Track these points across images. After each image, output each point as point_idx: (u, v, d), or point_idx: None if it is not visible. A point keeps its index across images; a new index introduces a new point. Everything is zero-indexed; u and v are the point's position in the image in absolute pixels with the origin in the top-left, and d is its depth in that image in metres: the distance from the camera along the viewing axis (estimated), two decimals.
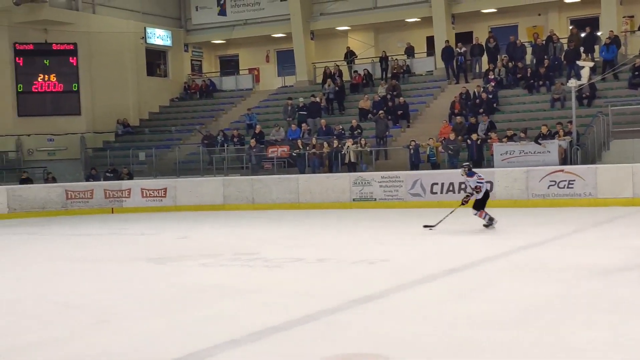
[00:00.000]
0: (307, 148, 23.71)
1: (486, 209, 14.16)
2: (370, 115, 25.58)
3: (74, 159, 28.67)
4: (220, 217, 20.22)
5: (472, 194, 14.24)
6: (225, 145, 25.90)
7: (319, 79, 29.73)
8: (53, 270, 11.32)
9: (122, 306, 8.14)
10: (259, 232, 16.10)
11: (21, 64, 28.71)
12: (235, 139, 26.00)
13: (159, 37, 32.39)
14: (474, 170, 14.56)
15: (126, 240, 15.58)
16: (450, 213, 14.60)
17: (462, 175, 14.63)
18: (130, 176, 25.17)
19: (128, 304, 8.28)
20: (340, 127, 24.51)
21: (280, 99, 29.48)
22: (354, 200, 21.22)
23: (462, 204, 14.59)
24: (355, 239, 14.08)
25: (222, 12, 32.58)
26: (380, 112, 24.37)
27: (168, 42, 32.82)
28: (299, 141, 24.28)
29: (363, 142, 23.22)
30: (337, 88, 27.55)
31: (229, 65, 34.74)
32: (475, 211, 14.17)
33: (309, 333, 6.65)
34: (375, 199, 20.92)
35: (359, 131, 24.24)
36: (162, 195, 23.52)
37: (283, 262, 11.01)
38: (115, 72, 30.40)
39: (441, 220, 14.39)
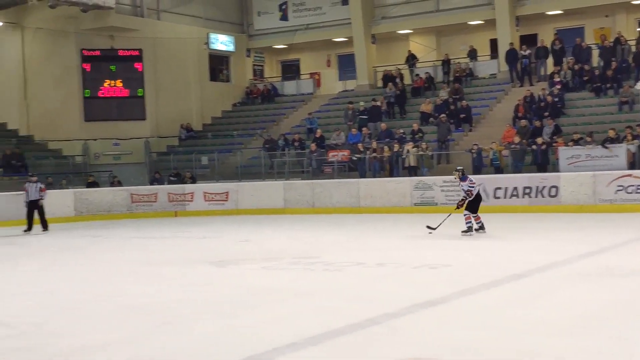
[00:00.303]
0: (368, 152, 23.63)
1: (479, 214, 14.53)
2: (431, 118, 25.35)
3: (138, 163, 29.19)
4: (281, 221, 20.30)
5: (465, 198, 14.58)
6: (286, 149, 26.01)
7: (380, 83, 29.62)
8: (118, 272, 11.52)
9: (185, 308, 8.21)
10: (320, 236, 16.10)
11: (88, 70, 29.39)
12: (296, 143, 26.09)
13: (222, 42, 32.75)
14: (466, 175, 14.95)
15: (189, 243, 15.76)
16: (448, 217, 14.92)
17: (456, 179, 15.04)
18: (193, 180, 25.49)
19: (190, 306, 8.36)
20: (401, 131, 24.35)
21: (341, 103, 29.46)
22: (415, 204, 21.05)
23: (457, 207, 14.91)
24: (417, 244, 13.94)
25: (284, 17, 32.78)
26: (442, 115, 24.14)
27: (231, 48, 33.17)
28: (360, 145, 24.22)
29: (424, 145, 23.02)
30: (398, 92, 27.41)
31: (290, 70, 34.91)
32: (467, 212, 14.45)
33: (370, 337, 6.59)
34: (436, 204, 20.70)
35: (420, 135, 24.04)
36: (224, 199, 23.75)
37: (343, 266, 10.97)
38: (179, 78, 30.87)
39: (440, 224, 14.65)
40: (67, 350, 6.40)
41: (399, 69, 28.72)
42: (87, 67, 29.35)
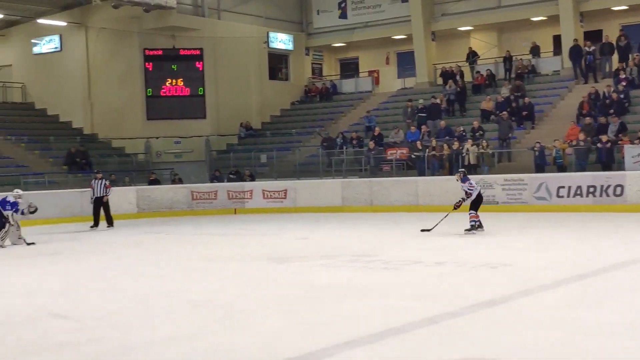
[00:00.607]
0: (427, 150, 23.46)
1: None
2: (492, 116, 25.02)
3: (199, 161, 29.57)
4: (339, 219, 20.30)
5: (464, 199, 15.00)
6: (344, 147, 26.00)
7: (440, 80, 29.37)
8: (180, 268, 11.70)
9: (246, 304, 8.29)
10: (378, 234, 16.05)
11: (150, 69, 29.89)
12: (354, 141, 26.06)
13: (281, 41, 32.94)
14: (468, 176, 15.29)
15: (248, 240, 15.89)
16: (445, 217, 15.19)
17: (457, 180, 15.30)
18: (252, 178, 25.69)
19: (251, 302, 8.43)
20: (461, 129, 24.10)
21: (400, 100, 29.31)
22: None
23: (455, 208, 15.21)
24: (477, 243, 13.77)
25: (343, 15, 32.78)
26: (503, 112, 23.79)
27: (290, 46, 33.33)
28: (419, 143, 24.06)
29: (485, 143, 22.73)
30: (458, 89, 27.13)
31: (349, 68, 34.90)
32: (471, 211, 14.79)
33: (429, 336, 6.54)
34: (497, 202, 20.42)
35: (481, 133, 23.76)
36: (283, 196, 23.88)
37: (402, 265, 10.91)
38: (239, 76, 31.14)
39: (437, 224, 14.93)
40: (131, 345, 6.52)
41: (459, 66, 28.43)
42: (150, 66, 29.84)
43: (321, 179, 24.56)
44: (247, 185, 24.78)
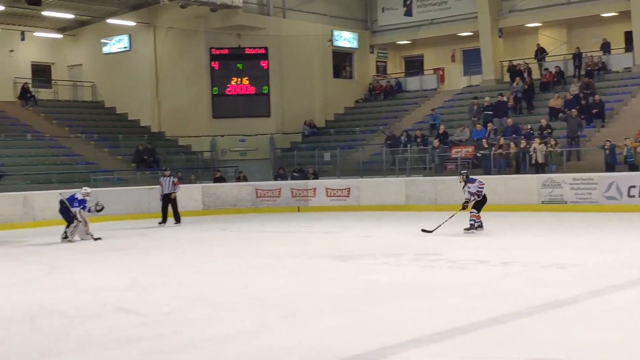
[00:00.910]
0: (493, 148, 23.09)
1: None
2: (561, 114, 24.47)
3: (263, 159, 29.78)
4: (403, 217, 20.15)
5: (470, 199, 15.00)
6: (409, 145, 25.81)
7: (507, 78, 28.88)
8: (245, 265, 11.78)
9: (309, 301, 8.29)
10: (442, 234, 15.79)
11: (216, 68, 30.23)
12: (418, 140, 25.85)
13: (346, 39, 32.91)
14: (472, 177, 15.40)
15: (312, 238, 15.92)
16: (450, 217, 15.13)
17: (460, 182, 15.40)
18: (315, 176, 25.74)
19: (314, 299, 8.42)
20: (529, 127, 23.63)
21: (465, 98, 28.95)
22: (542, 202, 20.39)
23: (463, 208, 15.19)
24: (544, 243, 13.49)
25: (408, 13, 32.54)
26: (572, 110, 23.24)
27: (354, 44, 33.27)
28: (484, 141, 23.70)
29: (553, 142, 22.25)
30: (526, 86, 26.63)
31: (414, 66, 34.64)
32: (474, 210, 14.87)
33: (495, 336, 6.42)
34: (566, 202, 19.97)
35: (549, 131, 23.26)
36: (346, 194, 23.86)
37: (467, 264, 10.76)
38: (303, 75, 31.25)
39: (440, 225, 14.91)
40: (198, 340, 6.58)
41: (526, 63, 27.91)
42: (216, 65, 30.18)
43: (385, 177, 24.44)
44: (311, 183, 24.84)
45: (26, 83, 29.92)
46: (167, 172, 20.47)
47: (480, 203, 14.99)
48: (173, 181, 20.15)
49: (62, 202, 15.94)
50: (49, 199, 21.50)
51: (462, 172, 15.86)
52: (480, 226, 14.97)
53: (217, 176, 26.67)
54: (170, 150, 29.21)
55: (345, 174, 25.98)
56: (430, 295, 8.44)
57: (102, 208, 16.64)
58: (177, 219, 20.14)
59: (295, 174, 26.21)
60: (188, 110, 30.22)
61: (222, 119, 30.17)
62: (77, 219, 15.71)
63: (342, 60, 33.58)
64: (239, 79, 30.27)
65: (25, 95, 29.44)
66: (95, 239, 15.76)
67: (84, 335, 6.86)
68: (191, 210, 23.01)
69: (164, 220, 20.00)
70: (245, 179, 26.62)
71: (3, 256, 13.81)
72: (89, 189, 16.55)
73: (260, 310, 7.96)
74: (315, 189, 24.40)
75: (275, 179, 26.71)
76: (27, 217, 20.55)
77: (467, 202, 15.12)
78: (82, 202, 15.82)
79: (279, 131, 30.70)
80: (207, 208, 24.29)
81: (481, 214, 15.01)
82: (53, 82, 32.60)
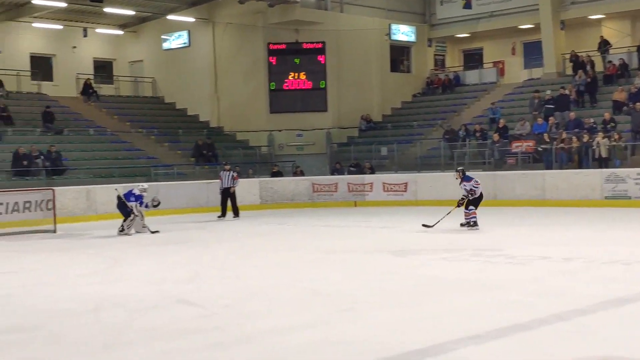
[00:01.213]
0: (555, 142, 22.65)
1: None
2: (625, 107, 23.85)
3: (320, 154, 29.83)
4: (461, 213, 19.87)
5: (466, 197, 15.06)
6: (467, 140, 25.52)
7: (569, 71, 28.29)
8: (302, 258, 11.81)
9: (366, 295, 8.27)
10: (502, 229, 15.63)
11: (274, 63, 30.38)
12: (477, 134, 25.52)
13: (403, 33, 32.70)
14: (469, 175, 15.44)
15: (369, 233, 15.87)
16: (448, 214, 15.32)
17: (457, 178, 15.47)
18: (372, 171, 25.67)
19: (371, 293, 8.40)
20: (592, 121, 23.11)
21: (526, 92, 28.47)
22: (605, 197, 19.92)
23: (458, 205, 15.31)
24: (607, 239, 13.19)
25: (468, 6, 32.13)
26: (637, 103, 22.62)
27: (412, 38, 33.04)
28: (546, 135, 23.26)
29: (617, 136, 21.71)
30: (589, 79, 26.03)
31: (473, 59, 34.20)
32: (472, 207, 14.97)
33: (556, 333, 6.29)
34: (630, 197, 19.48)
35: (613, 124, 22.70)
36: (403, 189, 23.71)
37: (528, 260, 10.58)
38: (360, 69, 31.17)
39: (439, 221, 15.12)
40: (257, 332, 6.62)
41: (589, 55, 27.29)
42: (273, 60, 30.33)
43: (443, 172, 24.20)
44: (368, 178, 24.77)
45: (88, 79, 30.57)
46: (227, 167, 20.67)
47: (477, 200, 15.11)
48: (232, 175, 20.33)
49: (119, 197, 16.32)
50: (110, 193, 21.92)
51: (458, 169, 15.92)
52: (475, 224, 14.94)
53: (274, 170, 26.82)
54: (228, 145, 29.48)
55: (402, 169, 25.84)
56: (490, 291, 8.32)
57: (159, 204, 16.92)
58: (236, 213, 20.31)
59: (352, 168, 26.18)
60: (246, 105, 30.46)
61: (279, 113, 30.32)
62: (133, 213, 16.01)
63: (399, 54, 33.37)
64: (296, 74, 30.36)
65: (87, 91, 30.08)
66: (152, 232, 16.02)
67: (146, 327, 6.97)
68: (249, 205, 23.18)
69: (223, 214, 20.20)
70: (302, 174, 26.70)
71: (67, 249, 14.14)
72: (146, 185, 16.84)
73: (317, 303, 7.97)
74: (372, 183, 24.32)
75: (332, 174, 26.72)
76: (90, 211, 21.01)
77: (463, 199, 15.20)
78: (139, 198, 16.14)
79: (335, 126, 30.70)
80: (265, 202, 24.46)
81: (480, 209, 15.22)
82: (114, 77, 33.24)
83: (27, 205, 17.92)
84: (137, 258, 12.42)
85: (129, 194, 16.19)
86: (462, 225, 15.10)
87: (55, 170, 22.89)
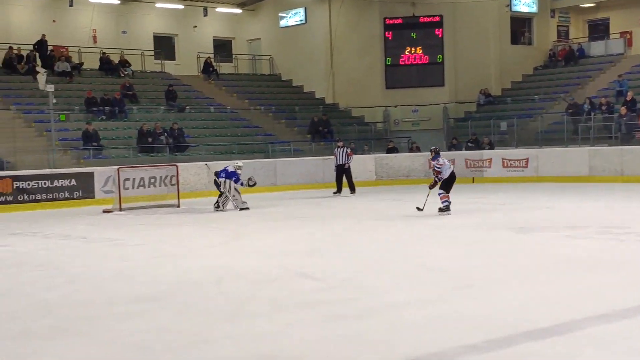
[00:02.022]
0: None
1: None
2: None
3: (436, 129, 29.43)
4: (586, 189, 19.21)
5: (437, 179, 14.52)
6: (592, 113, 24.50)
7: None
8: (419, 234, 11.74)
9: (486, 272, 8.12)
10: (630, 206, 14.97)
11: (390, 38, 30.14)
12: (603, 107, 24.45)
13: (525, 4, 31.62)
14: (439, 154, 14.74)
15: (488, 209, 15.55)
16: (427, 195, 14.69)
17: (429, 159, 14.61)
18: (491, 146, 25.11)
19: (492, 271, 8.24)
20: None
21: None
22: None
23: (430, 187, 14.77)
24: None
25: None
26: None
27: (534, 9, 31.90)
28: None
29: None
30: None
31: (598, 30, 32.73)
32: (441, 191, 14.35)
33: None
34: None
35: None
36: (524, 165, 23.09)
37: None
38: (479, 42, 30.44)
39: (425, 203, 14.50)
40: (377, 306, 6.64)
41: None
42: (389, 35, 30.08)
43: (566, 147, 23.40)
44: (486, 153, 24.25)
45: (209, 57, 31.31)
46: (340, 143, 20.73)
47: (447, 183, 14.41)
48: (346, 152, 20.37)
49: (215, 174, 16.72)
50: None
51: (431, 148, 15.21)
52: (447, 209, 14.16)
53: (389, 147, 26.70)
54: (344, 122, 29.55)
55: (522, 144, 25.14)
56: (619, 269, 7.99)
57: (255, 184, 17.14)
58: (352, 189, 20.36)
59: (469, 144, 25.69)
60: (361, 81, 30.41)
61: (395, 89, 30.10)
62: (220, 189, 16.34)
63: (520, 26, 32.31)
64: (413, 49, 30.00)
65: (207, 69, 30.84)
66: (242, 209, 16.23)
67: (268, 299, 7.11)
68: (364, 181, 23.19)
69: (339, 190, 20.30)
70: (418, 150, 26.44)
71: (191, 223, 14.62)
72: (240, 163, 17.12)
73: (435, 279, 7.90)
74: (490, 159, 23.80)
75: (449, 150, 26.30)
76: (211, 186, 21.55)
77: (435, 181, 14.61)
78: (232, 175, 16.40)
79: (452, 101, 30.19)
80: (380, 178, 24.42)
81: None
82: (233, 56, 33.92)
83: (152, 180, 18.62)
84: (257, 232, 12.68)
85: (223, 171, 16.53)
86: (439, 210, 14.22)
87: (178, 146, 23.67)
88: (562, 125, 24.84)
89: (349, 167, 20.33)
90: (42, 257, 10.46)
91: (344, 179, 20.37)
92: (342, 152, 20.33)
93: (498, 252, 9.57)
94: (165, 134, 23.54)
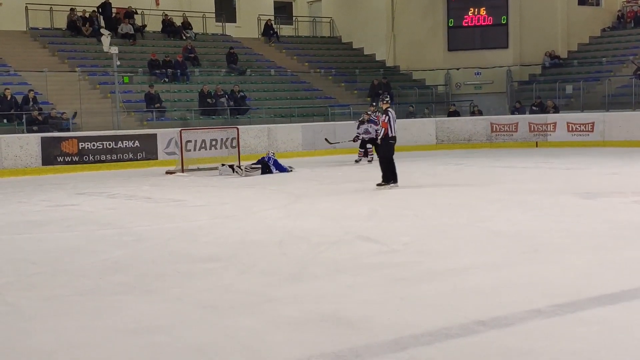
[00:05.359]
0: None
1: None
2: None
3: (499, 93, 28.93)
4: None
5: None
6: None
7: None
8: (482, 199, 11.59)
9: (552, 238, 7.99)
10: None
11: (452, 0, 29.59)
12: None
13: None
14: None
15: (552, 174, 15.27)
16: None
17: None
18: (556, 110, 24.58)
19: (558, 236, 8.10)
20: None
21: None
22: None
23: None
24: None
25: None
26: None
27: None
28: None
29: None
30: None
31: None
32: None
33: None
34: None
35: None
36: (589, 129, 22.57)
37: None
38: (545, 3, 29.63)
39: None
40: (439, 271, 6.61)
41: None
42: None
43: (634, 111, 22.76)
44: (550, 117, 23.77)
45: (269, 20, 31.29)
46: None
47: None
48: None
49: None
50: (290, 132, 22.61)
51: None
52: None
53: (451, 110, 26.40)
54: (404, 85, 29.27)
55: (588, 108, 24.54)
56: None
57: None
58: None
59: (534, 107, 25.20)
60: (423, 43, 30.01)
61: (457, 51, 29.65)
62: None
63: None
64: (476, 10, 29.43)
65: (268, 31, 30.83)
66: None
67: (329, 261, 7.14)
68: (425, 145, 23.05)
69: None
70: (480, 113, 26.10)
71: (251, 185, 14.76)
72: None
73: (499, 244, 7.80)
74: (555, 123, 23.32)
75: (512, 113, 25.87)
76: (271, 148, 21.71)
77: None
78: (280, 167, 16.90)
79: (516, 63, 29.57)
80: (441, 142, 24.21)
81: None
82: (294, 18, 33.80)
83: (214, 143, 18.83)
84: (317, 195, 12.72)
85: (267, 158, 17.05)
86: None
87: (239, 109, 23.82)
88: (630, 89, 24.16)
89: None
90: (108, 216, 10.71)
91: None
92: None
93: (564, 218, 9.40)
94: (226, 96, 23.70)
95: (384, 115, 13.17)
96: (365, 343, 4.66)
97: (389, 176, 13.12)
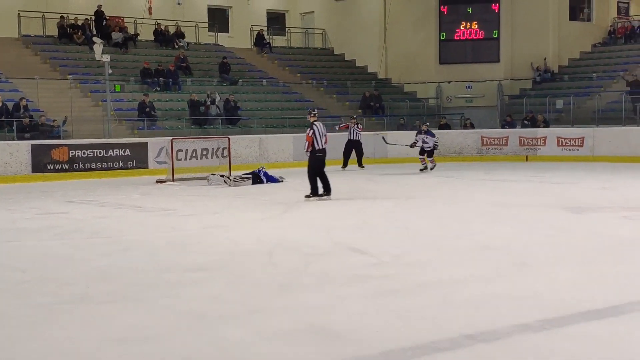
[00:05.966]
0: None
1: None
2: None
3: (490, 106, 29.04)
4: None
5: None
6: None
7: None
8: (471, 211, 11.61)
9: (541, 251, 8.01)
10: None
11: (445, 12, 29.74)
12: None
13: None
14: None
15: (542, 188, 15.32)
16: None
17: None
18: (546, 124, 24.69)
19: (546, 250, 8.12)
20: None
21: None
22: None
23: None
24: None
25: None
26: None
27: None
28: None
29: None
30: None
31: None
32: None
33: None
34: None
35: None
36: (579, 144, 22.67)
37: None
38: (536, 18, 29.82)
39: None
40: (429, 282, 6.61)
41: None
42: (445, 9, 29.71)
43: (624, 127, 22.89)
44: (541, 131, 23.88)
45: (262, 30, 31.35)
46: (354, 120, 21.15)
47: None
48: (359, 128, 20.95)
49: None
50: (282, 142, 22.62)
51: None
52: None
53: (442, 123, 26.47)
54: (395, 97, 29.36)
55: (578, 123, 24.67)
56: None
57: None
58: (361, 164, 21.01)
59: (526, 122, 25.30)
60: (415, 56, 30.13)
61: (449, 64, 29.78)
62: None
63: (579, 2, 31.56)
64: (468, 23, 29.60)
65: (260, 42, 30.89)
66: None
67: (319, 272, 7.14)
68: (415, 157, 23.01)
69: (345, 165, 20.89)
70: (471, 126, 26.19)
71: (242, 195, 14.73)
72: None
73: (489, 257, 7.81)
74: (545, 137, 23.43)
75: (502, 127, 25.97)
76: (262, 159, 21.75)
77: None
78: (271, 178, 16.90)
79: (507, 77, 29.74)
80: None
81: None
82: (286, 29, 33.89)
83: (205, 152, 18.82)
84: (307, 206, 12.71)
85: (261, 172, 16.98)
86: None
87: (230, 119, 23.81)
88: (620, 104, 24.34)
89: (361, 143, 20.99)
90: (98, 224, 10.67)
91: (352, 155, 20.86)
92: (356, 128, 20.62)
93: (553, 232, 9.42)
94: (216, 101, 23.68)
95: (309, 129, 13.38)
96: (353, 355, 4.66)
97: (316, 189, 13.23)
